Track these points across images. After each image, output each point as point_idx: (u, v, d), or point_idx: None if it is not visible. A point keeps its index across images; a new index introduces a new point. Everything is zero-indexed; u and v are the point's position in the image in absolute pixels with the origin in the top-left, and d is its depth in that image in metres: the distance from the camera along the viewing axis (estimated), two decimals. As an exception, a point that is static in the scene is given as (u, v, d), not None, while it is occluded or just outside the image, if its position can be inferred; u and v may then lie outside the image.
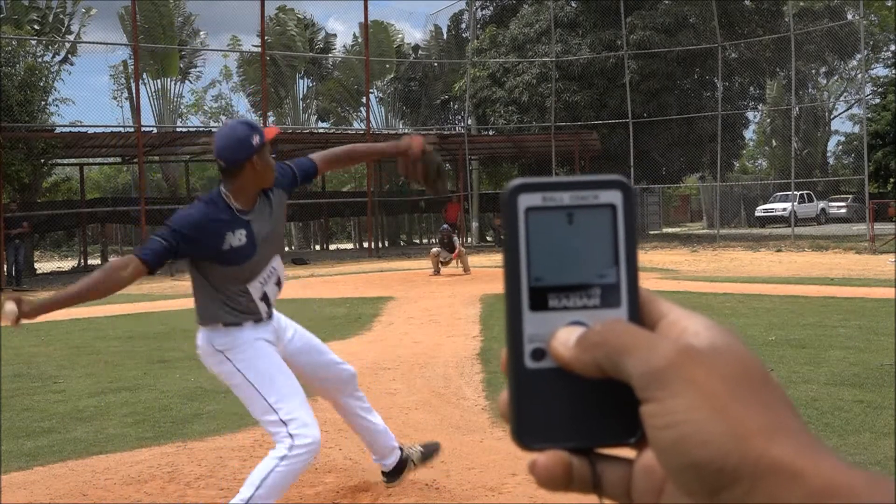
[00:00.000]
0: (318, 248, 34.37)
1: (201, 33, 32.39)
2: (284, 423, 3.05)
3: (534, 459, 0.43)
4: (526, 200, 0.45)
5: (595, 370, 0.42)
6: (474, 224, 30.08)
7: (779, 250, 21.48)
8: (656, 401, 0.39)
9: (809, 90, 40.35)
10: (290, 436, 3.04)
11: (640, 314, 0.44)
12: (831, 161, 49.52)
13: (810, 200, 35.55)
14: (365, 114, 27.30)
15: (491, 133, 29.25)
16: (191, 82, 31.27)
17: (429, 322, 9.74)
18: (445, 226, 18.20)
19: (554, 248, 0.45)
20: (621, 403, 0.42)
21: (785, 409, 0.39)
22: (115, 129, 22.67)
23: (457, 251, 16.83)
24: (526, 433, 0.44)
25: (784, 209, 32.02)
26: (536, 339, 0.44)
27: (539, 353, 0.44)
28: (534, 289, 0.45)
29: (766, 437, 0.37)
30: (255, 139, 3.04)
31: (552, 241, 0.45)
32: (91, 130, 21.52)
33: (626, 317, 0.44)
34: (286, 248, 31.78)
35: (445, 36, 34.79)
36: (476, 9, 31.06)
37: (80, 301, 2.94)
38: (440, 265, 16.83)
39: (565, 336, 0.43)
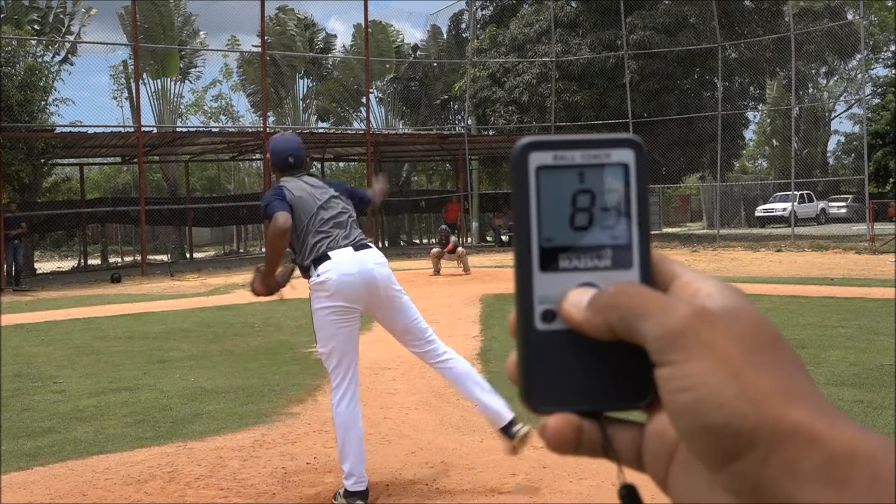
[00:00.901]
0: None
1: (201, 33, 32.31)
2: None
3: (544, 422, 0.42)
4: (537, 159, 0.43)
5: (607, 332, 0.41)
6: (474, 224, 30.07)
7: (779, 250, 21.47)
8: (672, 364, 0.38)
9: (809, 90, 40.37)
10: None
11: (651, 275, 0.43)
12: (831, 161, 49.54)
13: (810, 200, 35.55)
14: (365, 114, 27.32)
15: (491, 133, 29.25)
16: (191, 82, 31.27)
17: (429, 322, 9.71)
18: (444, 226, 18.19)
19: (565, 207, 0.44)
20: (632, 366, 0.41)
21: (799, 373, 0.38)
22: (115, 129, 22.67)
23: (450, 245, 16.80)
24: (535, 396, 0.43)
25: (784, 209, 32.02)
26: (546, 300, 0.43)
27: (549, 315, 0.43)
28: (544, 249, 0.44)
29: (783, 401, 0.36)
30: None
31: (563, 201, 0.44)
32: (91, 130, 21.52)
33: (638, 278, 0.43)
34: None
35: (445, 36, 34.78)
36: (476, 9, 31.06)
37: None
38: (440, 264, 16.82)
39: (577, 297, 0.42)
